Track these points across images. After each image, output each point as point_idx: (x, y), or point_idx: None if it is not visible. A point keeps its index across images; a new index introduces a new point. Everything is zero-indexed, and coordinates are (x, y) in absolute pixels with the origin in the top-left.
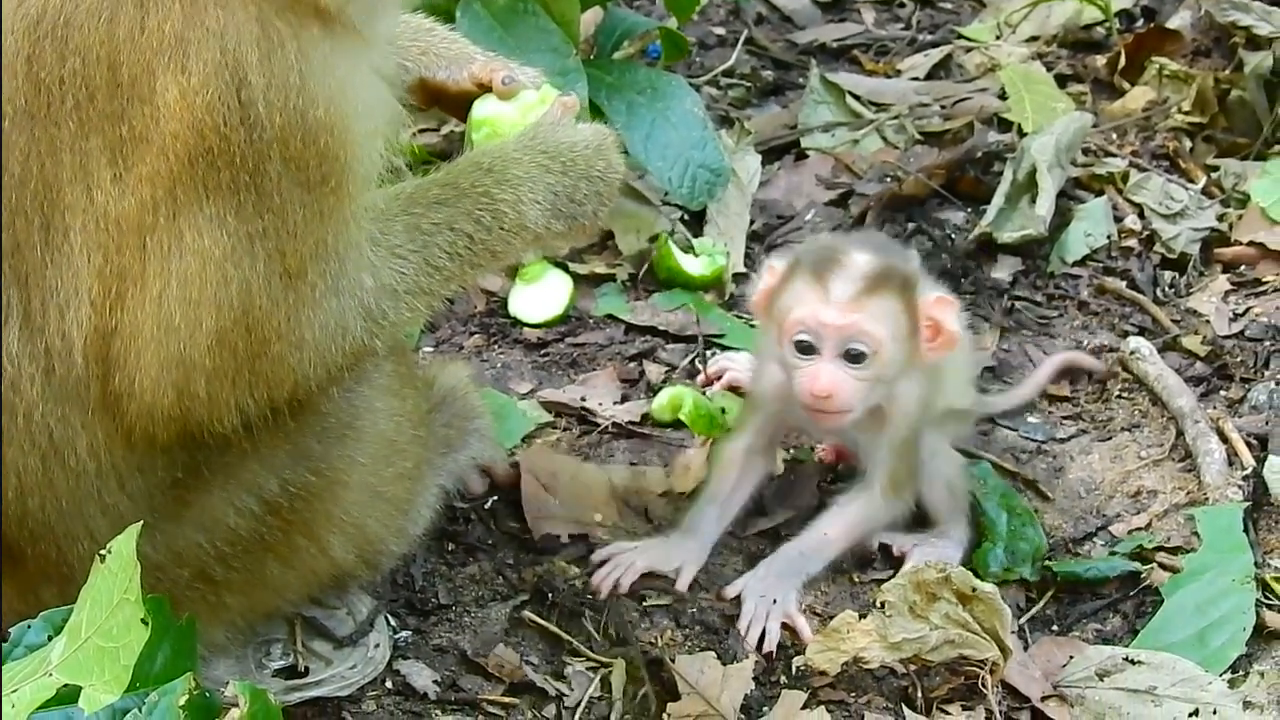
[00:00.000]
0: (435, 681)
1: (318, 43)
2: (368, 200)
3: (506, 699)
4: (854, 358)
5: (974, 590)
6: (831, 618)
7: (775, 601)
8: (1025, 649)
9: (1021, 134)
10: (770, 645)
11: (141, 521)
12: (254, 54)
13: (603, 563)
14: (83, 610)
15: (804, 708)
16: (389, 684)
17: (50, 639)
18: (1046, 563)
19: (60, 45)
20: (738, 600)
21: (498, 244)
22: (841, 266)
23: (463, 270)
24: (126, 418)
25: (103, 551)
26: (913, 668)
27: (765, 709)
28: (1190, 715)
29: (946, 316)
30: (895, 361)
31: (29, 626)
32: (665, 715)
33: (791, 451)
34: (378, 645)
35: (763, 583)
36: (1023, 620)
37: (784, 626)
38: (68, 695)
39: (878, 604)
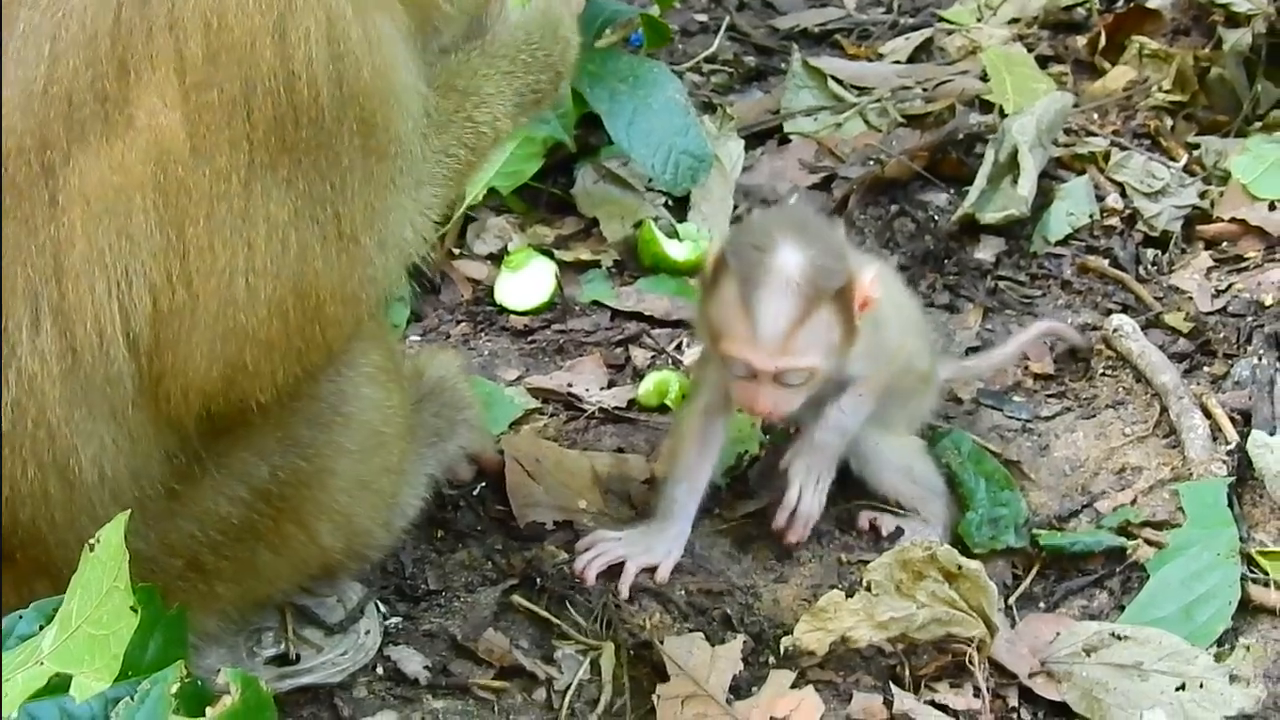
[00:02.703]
0: (426, 667)
1: (398, 10)
2: (406, 155)
3: (497, 683)
4: (790, 384)
5: (960, 568)
6: (818, 597)
7: (818, 481)
8: (1012, 626)
9: (1003, 115)
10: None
11: (129, 511)
12: (349, 8)
13: (586, 551)
14: (73, 599)
15: (792, 687)
16: (380, 670)
17: (41, 629)
18: (1033, 532)
19: (149, 22)
20: (723, 580)
21: (478, 159)
22: (769, 290)
23: (448, 191)
24: (162, 401)
25: (92, 541)
26: (900, 646)
27: (754, 689)
28: (1177, 689)
29: (875, 290)
30: (832, 366)
31: (20, 617)
32: (655, 697)
33: (769, 434)
34: (368, 632)
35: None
36: (1010, 598)
37: None
38: (59, 684)
39: (864, 583)
